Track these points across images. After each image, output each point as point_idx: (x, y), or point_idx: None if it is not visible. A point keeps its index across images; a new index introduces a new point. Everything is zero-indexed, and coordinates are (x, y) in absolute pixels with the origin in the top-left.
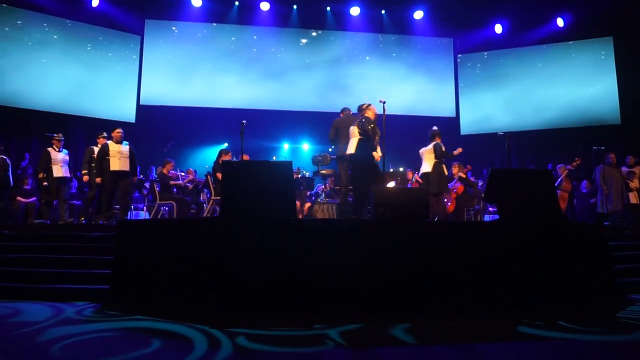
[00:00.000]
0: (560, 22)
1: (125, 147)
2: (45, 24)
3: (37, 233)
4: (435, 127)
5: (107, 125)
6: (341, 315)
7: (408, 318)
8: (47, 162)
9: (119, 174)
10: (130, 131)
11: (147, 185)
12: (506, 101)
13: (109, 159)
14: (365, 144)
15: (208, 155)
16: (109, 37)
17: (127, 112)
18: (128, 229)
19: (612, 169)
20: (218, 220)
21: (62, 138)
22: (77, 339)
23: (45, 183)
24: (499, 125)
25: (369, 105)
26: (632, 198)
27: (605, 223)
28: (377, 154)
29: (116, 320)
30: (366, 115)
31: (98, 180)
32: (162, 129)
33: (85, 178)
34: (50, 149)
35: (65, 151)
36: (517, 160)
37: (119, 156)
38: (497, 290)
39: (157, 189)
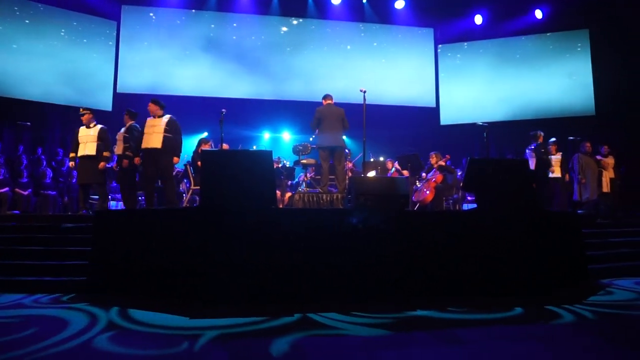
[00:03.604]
0: (538, 13)
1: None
2: (16, 8)
3: (10, 224)
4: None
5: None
6: (317, 304)
7: (379, 308)
8: (75, 141)
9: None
10: (107, 120)
11: None
12: (486, 92)
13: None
14: (543, 165)
15: (187, 145)
16: (84, 22)
17: (104, 101)
18: (105, 220)
19: (588, 158)
20: (197, 210)
21: (85, 112)
22: None
23: (71, 163)
24: (479, 115)
25: (541, 133)
26: (605, 187)
27: (579, 211)
28: (555, 171)
29: (53, 308)
30: (539, 139)
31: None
32: (140, 118)
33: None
34: (82, 127)
35: (99, 127)
36: (495, 150)
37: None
38: (474, 277)
39: (136, 178)
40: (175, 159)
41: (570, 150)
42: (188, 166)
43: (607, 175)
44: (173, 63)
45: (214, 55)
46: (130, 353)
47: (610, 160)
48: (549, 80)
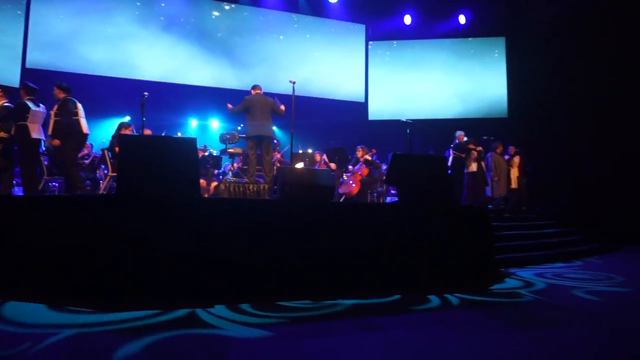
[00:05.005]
0: (462, 19)
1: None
2: None
3: None
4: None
5: None
6: (226, 298)
7: (293, 298)
8: None
9: None
10: (13, 97)
11: None
12: (412, 90)
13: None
14: (461, 160)
15: (106, 129)
16: None
17: (9, 75)
18: (4, 206)
19: (499, 157)
20: (112, 198)
21: None
22: None
23: None
24: (405, 112)
25: (462, 133)
26: (512, 184)
27: (489, 206)
28: (472, 167)
29: None
30: (460, 139)
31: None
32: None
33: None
34: None
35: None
36: (419, 146)
37: None
38: (393, 267)
39: (45, 162)
40: (55, 141)
41: (484, 149)
42: (106, 151)
43: (514, 173)
44: (93, 40)
45: (139, 35)
46: None
47: (516, 159)
48: (469, 82)
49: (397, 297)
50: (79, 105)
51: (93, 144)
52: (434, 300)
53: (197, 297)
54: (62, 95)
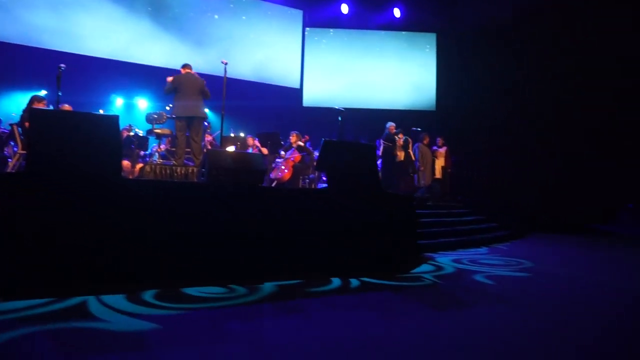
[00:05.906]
0: (397, 12)
1: None
2: None
3: None
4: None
5: None
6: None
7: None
8: None
9: None
10: None
11: None
12: (346, 78)
13: None
14: (391, 150)
15: (16, 103)
16: None
17: None
18: None
19: (426, 147)
20: (18, 176)
21: None
22: None
23: None
24: (339, 100)
25: (391, 124)
26: (437, 173)
27: (415, 194)
28: (399, 156)
29: None
30: (390, 130)
31: None
32: None
33: None
34: None
35: None
36: (351, 135)
37: None
38: (320, 251)
39: None
40: None
41: (412, 140)
42: (15, 127)
43: (439, 164)
44: (2, 3)
45: (58, 4)
46: None
47: (442, 151)
48: (401, 75)
49: (300, 280)
50: None
51: (2, 119)
52: (336, 282)
53: (95, 283)
54: None
